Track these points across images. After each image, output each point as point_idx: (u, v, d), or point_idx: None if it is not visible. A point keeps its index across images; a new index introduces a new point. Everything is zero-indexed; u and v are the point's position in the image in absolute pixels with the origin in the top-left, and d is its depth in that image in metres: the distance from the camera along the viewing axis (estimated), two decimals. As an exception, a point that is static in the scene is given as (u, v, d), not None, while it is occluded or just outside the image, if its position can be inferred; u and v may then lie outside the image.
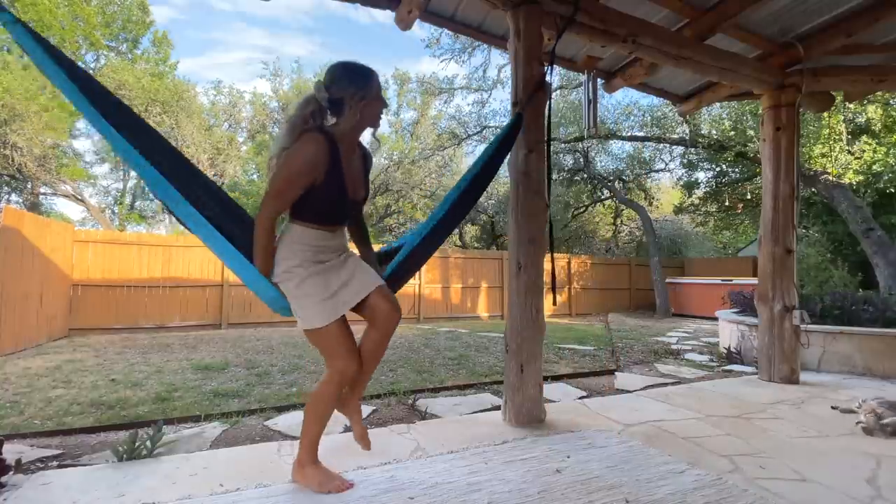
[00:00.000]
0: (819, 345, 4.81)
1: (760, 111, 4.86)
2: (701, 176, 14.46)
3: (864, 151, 9.07)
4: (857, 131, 9.49)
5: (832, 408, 3.35)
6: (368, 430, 2.91)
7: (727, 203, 14.10)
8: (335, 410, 2.00)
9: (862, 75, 4.36)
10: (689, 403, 3.51)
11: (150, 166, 1.70)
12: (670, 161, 15.44)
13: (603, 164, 16.38)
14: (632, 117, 13.51)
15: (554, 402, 3.58)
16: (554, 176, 15.12)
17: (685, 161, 14.13)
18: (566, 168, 15.32)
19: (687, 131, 12.12)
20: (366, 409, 3.44)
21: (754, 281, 5.82)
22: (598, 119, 3.90)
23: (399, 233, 17.72)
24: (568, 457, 2.37)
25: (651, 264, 13.26)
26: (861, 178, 9.12)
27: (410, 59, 46.49)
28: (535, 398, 2.98)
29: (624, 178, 16.16)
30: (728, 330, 5.98)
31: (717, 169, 13.19)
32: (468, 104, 35.92)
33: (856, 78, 4.39)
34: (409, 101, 19.28)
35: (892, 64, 4.41)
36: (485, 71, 14.50)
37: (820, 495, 2.03)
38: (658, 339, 7.69)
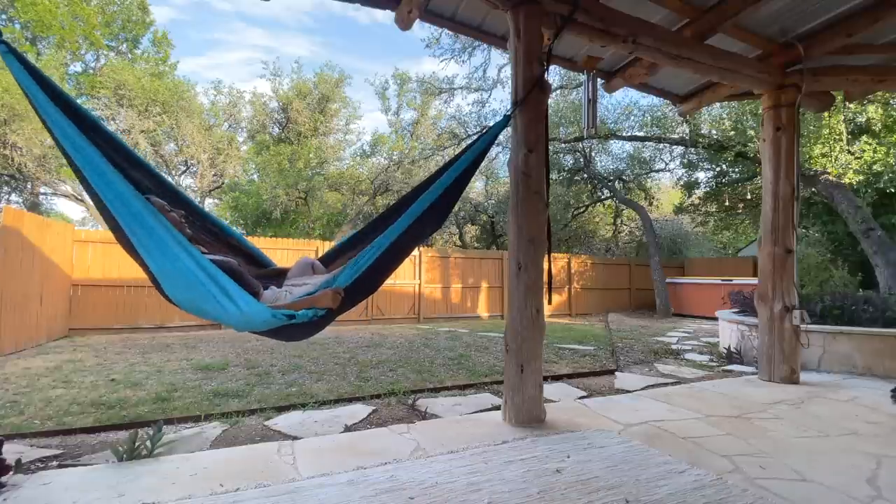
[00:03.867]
0: (819, 345, 4.81)
1: (760, 111, 4.86)
2: (701, 176, 14.46)
3: (864, 151, 9.05)
4: (857, 131, 9.47)
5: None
6: (368, 430, 2.92)
7: (727, 203, 14.08)
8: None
9: (862, 75, 4.36)
10: (689, 403, 3.51)
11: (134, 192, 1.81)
12: (670, 161, 15.44)
13: (603, 164, 16.38)
14: (632, 117, 13.52)
15: (554, 402, 3.58)
16: (554, 176, 15.12)
17: (685, 161, 14.12)
18: (566, 168, 15.30)
19: (687, 131, 12.11)
20: (366, 409, 3.44)
21: (754, 281, 5.82)
22: (598, 119, 3.89)
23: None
24: (568, 457, 2.37)
25: (651, 264, 13.26)
26: (861, 177, 9.11)
27: (410, 59, 46.43)
28: (535, 398, 2.98)
29: (624, 178, 16.14)
30: (728, 330, 5.98)
31: (717, 169, 13.17)
32: (468, 104, 35.94)
33: (856, 78, 4.39)
34: (409, 101, 19.25)
35: (892, 64, 4.41)
36: (485, 71, 14.52)
37: (820, 495, 2.03)
38: (658, 339, 7.68)
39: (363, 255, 2.15)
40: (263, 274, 2.09)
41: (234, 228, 2.38)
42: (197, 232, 2.05)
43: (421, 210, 2.28)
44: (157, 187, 2.00)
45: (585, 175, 15.42)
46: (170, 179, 2.16)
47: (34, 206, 14.40)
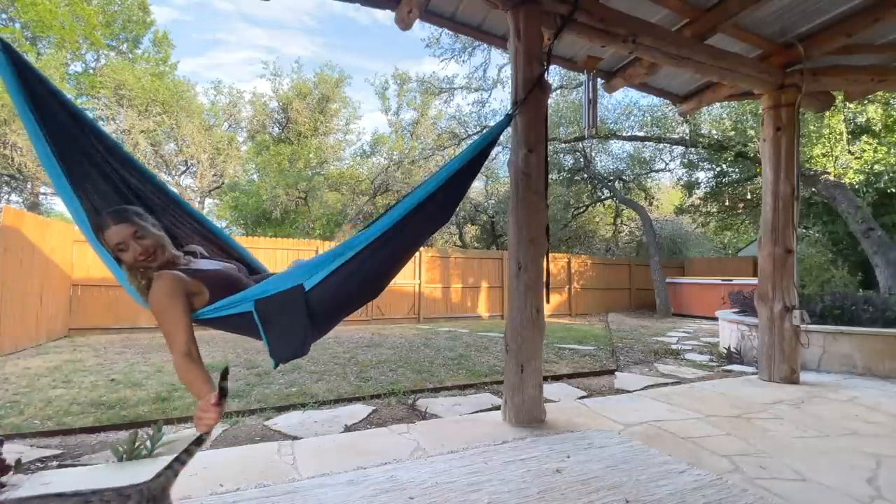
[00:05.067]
0: (819, 345, 4.81)
1: (760, 111, 4.86)
2: (701, 176, 14.48)
3: (864, 151, 9.06)
4: (857, 131, 9.49)
5: None
6: (368, 430, 2.93)
7: (727, 203, 14.10)
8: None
9: (862, 75, 4.36)
10: (689, 403, 3.51)
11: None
12: (670, 161, 15.46)
13: (603, 164, 16.38)
14: (632, 117, 13.52)
15: (554, 402, 3.58)
16: (554, 176, 15.13)
17: (685, 161, 14.13)
18: (566, 168, 15.31)
19: (687, 131, 12.12)
20: (366, 409, 3.44)
21: (754, 281, 5.83)
22: (598, 119, 3.88)
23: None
24: (568, 457, 2.37)
25: (651, 264, 13.26)
26: (861, 177, 9.12)
27: (411, 59, 46.46)
28: (535, 398, 2.98)
29: (624, 178, 16.15)
30: (728, 330, 5.98)
31: (718, 169, 13.19)
32: (468, 104, 35.95)
33: (856, 77, 4.39)
34: (409, 101, 19.24)
35: (892, 64, 4.41)
36: (485, 71, 14.50)
37: (820, 495, 2.03)
38: (658, 339, 7.68)
39: (341, 249, 1.75)
40: (260, 279, 2.02)
41: (230, 235, 2.05)
42: (192, 235, 1.97)
43: (415, 203, 1.93)
44: (154, 194, 1.88)
45: (585, 175, 15.42)
46: (160, 181, 1.98)
47: (34, 206, 14.40)
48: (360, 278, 1.80)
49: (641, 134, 13.39)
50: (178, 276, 1.56)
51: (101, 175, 1.73)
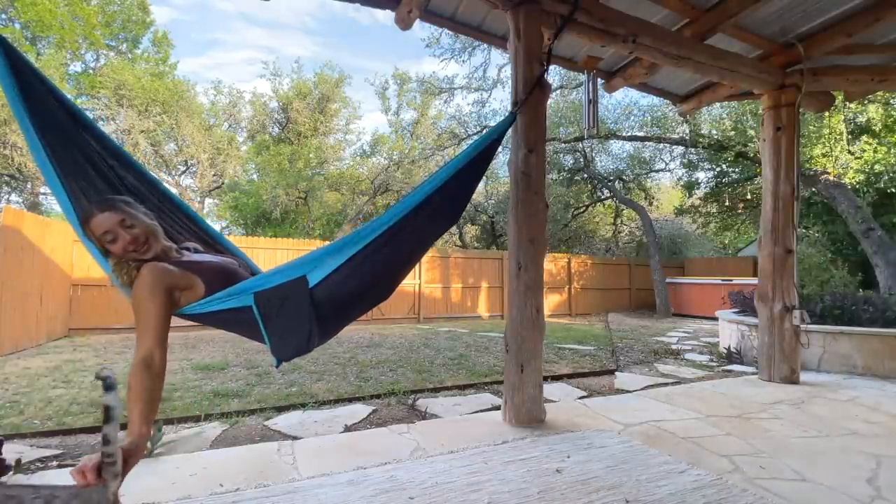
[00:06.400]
0: (819, 345, 4.81)
1: (760, 111, 4.86)
2: (701, 176, 14.48)
3: (864, 151, 9.07)
4: (857, 131, 9.49)
5: None
6: (368, 430, 2.92)
7: (727, 203, 14.10)
8: None
9: (862, 75, 4.36)
10: (689, 403, 3.51)
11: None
12: (670, 161, 15.46)
13: (603, 164, 16.39)
14: (632, 117, 13.53)
15: (554, 402, 3.58)
16: (554, 176, 15.13)
17: (685, 161, 14.14)
18: (566, 168, 15.31)
19: (687, 131, 12.12)
20: (366, 409, 3.44)
21: (754, 281, 5.83)
22: (598, 119, 3.87)
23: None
24: (568, 457, 2.37)
25: (651, 264, 13.26)
26: (861, 177, 9.12)
27: (411, 59, 46.53)
28: (535, 398, 2.98)
29: (624, 178, 16.15)
30: (728, 330, 5.98)
31: (717, 169, 13.19)
32: (468, 104, 36.01)
33: (856, 77, 4.39)
34: (409, 101, 19.23)
35: (892, 64, 4.41)
36: (485, 71, 14.53)
37: (820, 495, 2.03)
38: (658, 339, 7.68)
39: (348, 240, 1.67)
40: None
41: (229, 237, 2.00)
42: (189, 238, 1.93)
43: (416, 202, 1.82)
44: (152, 193, 1.85)
45: (585, 175, 15.43)
46: (157, 180, 1.93)
47: (34, 206, 14.38)
48: (367, 275, 1.70)
49: (641, 134, 13.40)
50: (164, 268, 1.42)
51: (99, 174, 1.70)
